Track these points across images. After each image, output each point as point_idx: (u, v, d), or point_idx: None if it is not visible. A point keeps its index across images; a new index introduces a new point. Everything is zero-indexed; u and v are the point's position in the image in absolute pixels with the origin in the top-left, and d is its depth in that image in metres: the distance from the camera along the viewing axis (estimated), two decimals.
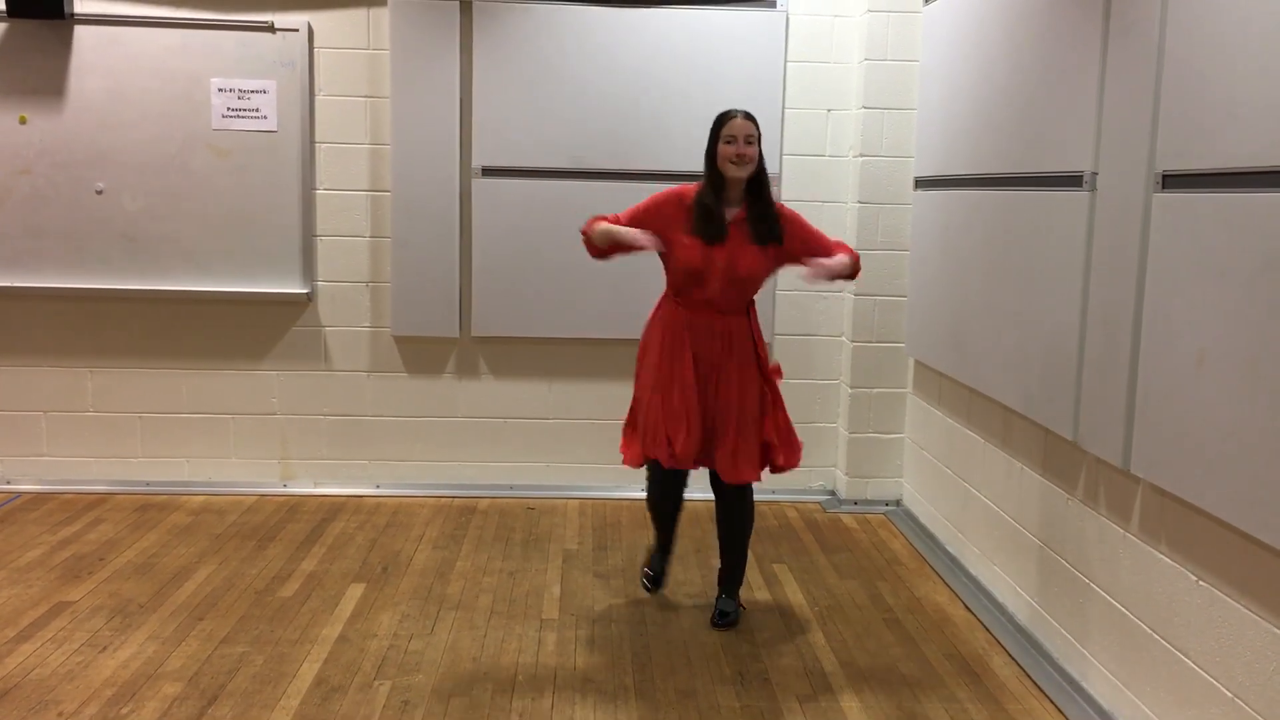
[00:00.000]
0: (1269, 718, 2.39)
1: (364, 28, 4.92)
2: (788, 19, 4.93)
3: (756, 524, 4.79)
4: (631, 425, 3.72)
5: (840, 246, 3.58)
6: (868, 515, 5.01)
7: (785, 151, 5.00)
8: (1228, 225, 2.49)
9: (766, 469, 3.64)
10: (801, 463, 3.75)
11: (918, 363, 4.87)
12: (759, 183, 3.48)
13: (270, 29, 4.84)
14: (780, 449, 3.62)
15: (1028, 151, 3.58)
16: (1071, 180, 3.23)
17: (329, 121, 4.95)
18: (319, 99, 4.94)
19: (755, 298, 3.61)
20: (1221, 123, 2.51)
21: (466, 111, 4.93)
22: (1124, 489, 3.03)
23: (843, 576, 4.22)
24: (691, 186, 3.53)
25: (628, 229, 3.42)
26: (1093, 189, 3.12)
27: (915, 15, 4.77)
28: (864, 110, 4.88)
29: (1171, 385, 2.71)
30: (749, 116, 3.47)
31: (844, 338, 5.12)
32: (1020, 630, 3.67)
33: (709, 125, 4.85)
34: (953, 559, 4.34)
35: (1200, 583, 2.66)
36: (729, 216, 3.47)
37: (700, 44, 4.89)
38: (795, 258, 3.54)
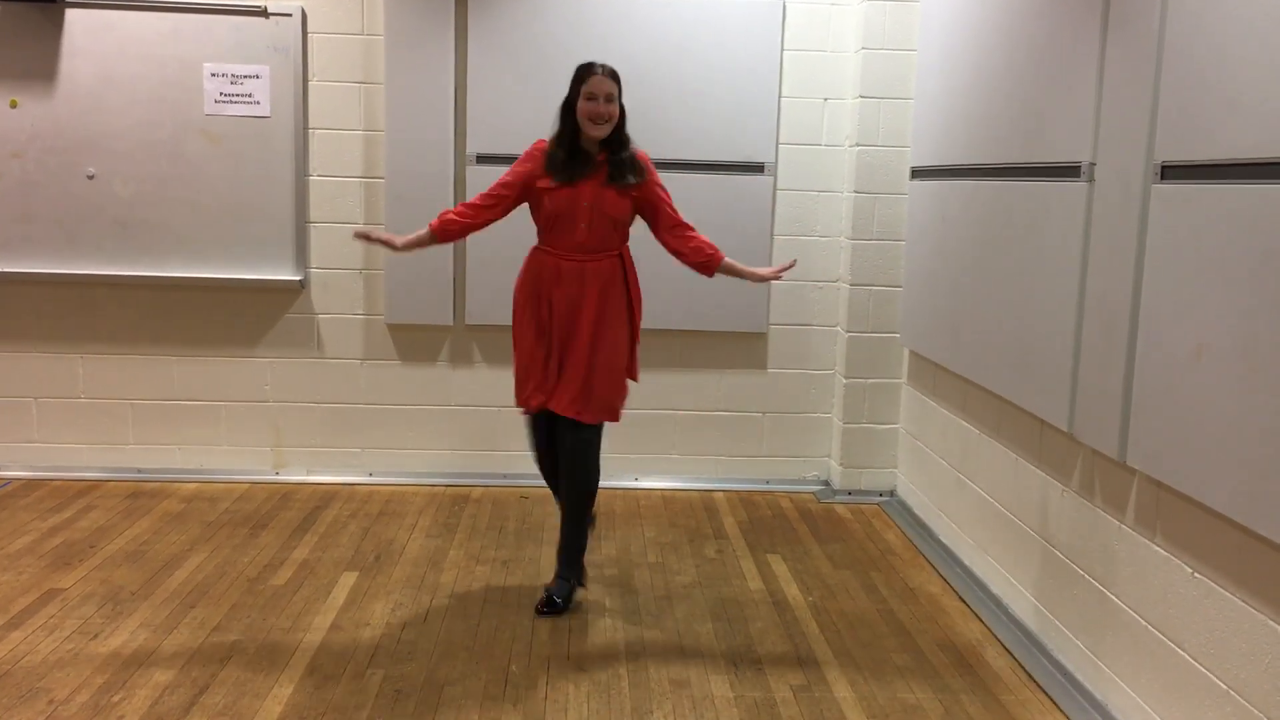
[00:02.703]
0: (1264, 710, 2.39)
1: (358, 13, 4.88)
2: (784, 7, 4.91)
3: (750, 514, 4.81)
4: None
5: (692, 238, 3.59)
6: (862, 505, 5.01)
7: (781, 140, 4.99)
8: (1227, 217, 2.48)
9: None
10: (619, 414, 3.69)
11: (913, 353, 4.86)
12: (616, 139, 3.52)
13: (263, 14, 4.80)
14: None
15: (1025, 142, 3.56)
16: (1069, 171, 3.22)
17: (322, 107, 4.92)
18: (312, 85, 4.91)
19: (629, 245, 3.66)
20: (1221, 113, 2.50)
21: (461, 98, 4.91)
22: (1120, 481, 3.03)
23: (837, 567, 4.22)
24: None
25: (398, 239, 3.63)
26: (1091, 180, 3.11)
27: (913, 4, 4.75)
28: (860, 100, 4.86)
29: (1169, 377, 2.70)
30: (609, 72, 3.49)
31: (839, 328, 5.11)
32: (1014, 621, 3.67)
33: (705, 114, 4.90)
34: (947, 550, 4.34)
35: (1196, 575, 2.66)
36: (592, 159, 3.53)
37: (696, 31, 4.87)
38: (646, 205, 3.59)
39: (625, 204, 3.55)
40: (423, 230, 3.64)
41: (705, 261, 3.61)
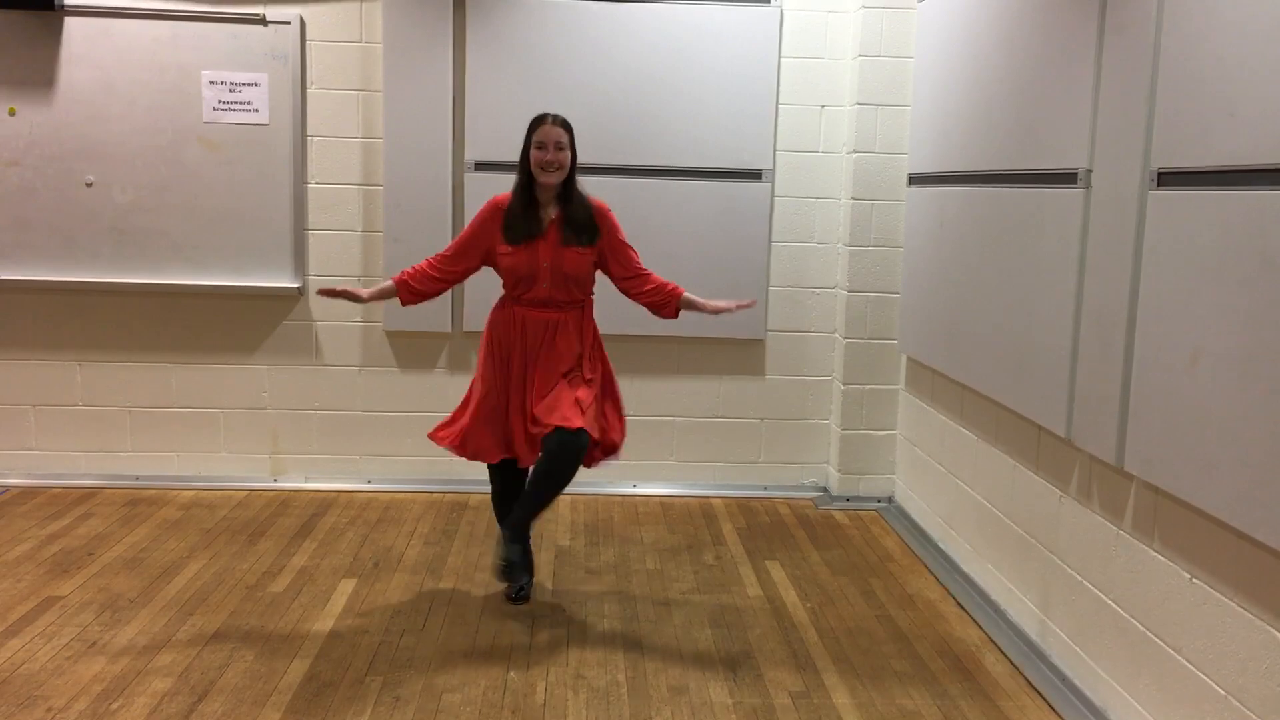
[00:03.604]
0: (1262, 716, 2.39)
1: (356, 21, 4.89)
2: (782, 14, 4.92)
3: (748, 520, 4.81)
4: (458, 412, 3.77)
5: (648, 282, 3.65)
6: (860, 512, 5.01)
7: (779, 147, 5.00)
8: (1223, 223, 2.49)
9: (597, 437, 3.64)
10: (618, 454, 3.76)
11: (910, 359, 4.87)
12: (568, 186, 3.59)
13: (262, 21, 4.81)
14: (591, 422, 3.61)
15: (1022, 148, 3.57)
16: (1066, 177, 3.22)
17: (321, 115, 4.93)
18: (311, 92, 4.91)
19: (594, 294, 3.75)
20: (1217, 120, 2.51)
21: (459, 105, 4.92)
22: (1117, 486, 3.04)
23: (835, 573, 4.22)
24: (508, 194, 3.64)
25: (364, 292, 3.67)
26: (1087, 186, 3.12)
27: (910, 11, 4.77)
28: (858, 106, 4.87)
29: (1165, 383, 2.71)
30: (560, 121, 3.56)
31: (837, 334, 5.12)
32: (1012, 627, 3.67)
33: (703, 122, 4.92)
34: (945, 556, 4.34)
35: (1194, 580, 2.67)
36: (546, 217, 3.59)
37: (694, 39, 4.88)
38: (604, 258, 3.65)
39: (584, 261, 3.61)
40: (387, 284, 3.71)
41: (664, 302, 3.66)
